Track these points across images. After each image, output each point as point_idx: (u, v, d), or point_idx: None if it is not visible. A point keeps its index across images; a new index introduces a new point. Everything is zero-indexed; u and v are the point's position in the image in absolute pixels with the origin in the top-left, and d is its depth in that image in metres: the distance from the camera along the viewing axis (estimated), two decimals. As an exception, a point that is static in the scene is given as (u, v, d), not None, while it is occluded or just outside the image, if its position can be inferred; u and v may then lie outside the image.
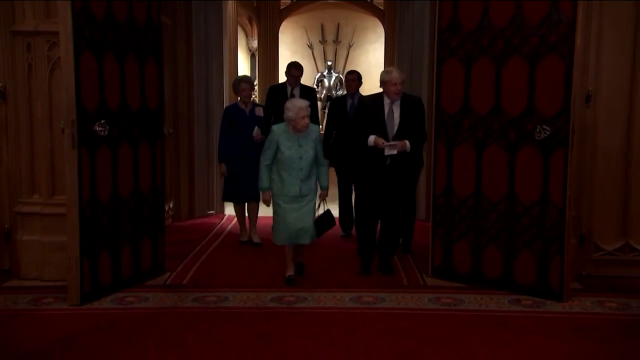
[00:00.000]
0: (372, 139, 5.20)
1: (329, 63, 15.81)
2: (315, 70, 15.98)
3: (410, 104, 5.33)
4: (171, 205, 7.67)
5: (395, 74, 5.25)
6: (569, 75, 4.60)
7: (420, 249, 5.95)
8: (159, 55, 5.33)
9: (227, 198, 6.70)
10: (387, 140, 5.18)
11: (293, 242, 5.18)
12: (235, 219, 7.07)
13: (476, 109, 4.99)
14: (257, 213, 6.62)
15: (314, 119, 6.45)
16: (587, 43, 5.11)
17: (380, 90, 5.35)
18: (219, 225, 7.67)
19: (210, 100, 8.23)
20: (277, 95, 6.67)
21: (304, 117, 5.00)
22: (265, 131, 5.94)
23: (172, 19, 7.41)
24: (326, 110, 15.46)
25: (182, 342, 4.04)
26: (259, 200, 6.26)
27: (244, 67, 14.01)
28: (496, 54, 4.89)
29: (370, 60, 15.58)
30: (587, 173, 5.34)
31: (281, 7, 15.10)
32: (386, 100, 5.29)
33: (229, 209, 8.26)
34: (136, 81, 5.06)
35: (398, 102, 5.27)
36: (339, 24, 16.00)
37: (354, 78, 6.72)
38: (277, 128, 5.16)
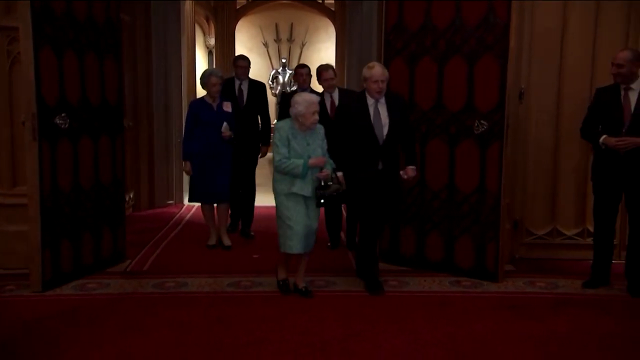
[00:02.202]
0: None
1: (283, 60, 15.80)
2: (270, 68, 15.96)
3: (396, 103, 4.67)
4: (131, 196, 7.55)
5: (378, 70, 4.54)
6: (503, 74, 4.69)
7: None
8: (118, 52, 5.23)
9: (194, 199, 5.90)
10: (377, 147, 4.56)
11: (306, 250, 4.49)
12: (194, 208, 6.97)
13: (420, 105, 5.05)
14: (228, 215, 6.09)
15: (265, 114, 6.33)
16: (520, 44, 5.22)
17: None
18: (178, 215, 7.58)
19: (169, 95, 8.13)
20: (224, 90, 5.89)
21: (314, 113, 4.35)
22: (233, 127, 5.69)
23: (131, 17, 7.27)
24: (280, 105, 15.61)
25: (143, 326, 4.00)
26: (228, 201, 5.90)
27: (201, 64, 13.84)
28: (438, 54, 4.96)
29: (323, 58, 15.53)
30: (520, 164, 5.45)
31: (237, 7, 14.98)
32: (370, 100, 4.60)
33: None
34: (96, 77, 4.96)
35: (383, 101, 4.60)
36: (292, 24, 15.98)
37: (306, 72, 6.10)
38: (283, 124, 4.48)
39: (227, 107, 5.76)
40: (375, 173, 4.60)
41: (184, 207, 8.05)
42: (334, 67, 6.13)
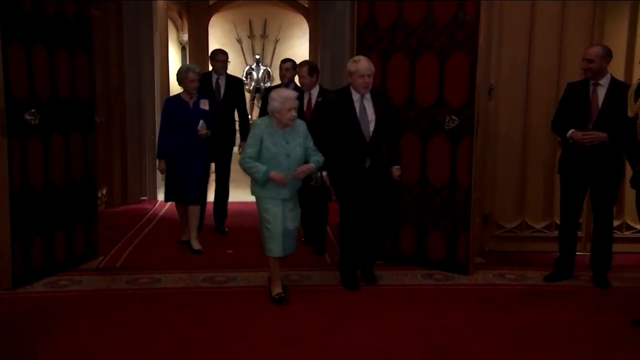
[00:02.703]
0: None
1: (257, 57, 15.70)
2: (244, 64, 15.85)
3: (381, 98, 4.51)
4: (104, 192, 7.45)
5: (364, 64, 4.36)
6: (473, 70, 4.73)
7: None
8: (89, 48, 5.14)
9: (170, 198, 5.66)
10: (364, 144, 4.41)
11: (287, 253, 4.34)
12: (168, 204, 6.90)
13: (393, 100, 5.07)
14: (198, 218, 5.72)
15: (243, 109, 6.26)
16: (489, 41, 5.27)
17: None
18: (151, 211, 7.50)
19: (142, 91, 8.03)
20: (201, 85, 5.66)
21: (290, 109, 4.12)
22: (210, 125, 5.48)
23: (102, 13, 7.15)
24: (255, 101, 15.57)
25: (116, 322, 3.95)
26: (199, 203, 5.63)
27: (174, 60, 13.69)
28: (410, 50, 4.97)
29: (297, 54, 15.44)
30: (490, 159, 5.50)
31: (210, 3, 14.88)
32: (355, 96, 4.42)
33: (162, 195, 8.10)
34: (67, 72, 4.87)
35: (369, 97, 4.43)
36: (266, 20, 15.89)
37: (289, 67, 5.86)
38: (260, 121, 4.28)
39: (204, 104, 5.48)
40: (363, 171, 4.44)
41: (158, 203, 7.96)
42: (316, 66, 5.91)
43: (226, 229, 6.29)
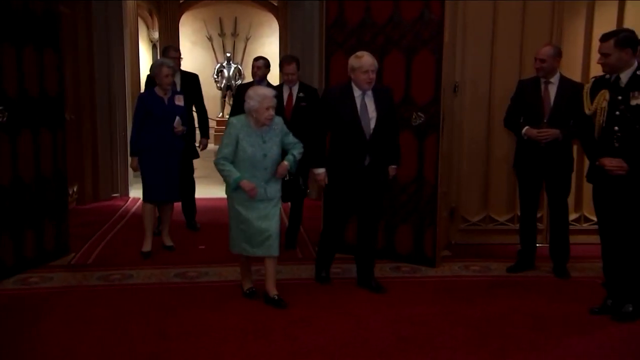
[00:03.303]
0: None
1: (228, 55, 15.60)
2: (215, 61, 15.74)
3: (384, 96, 4.33)
4: (75, 189, 7.33)
5: (368, 60, 4.15)
6: (439, 68, 4.76)
7: (314, 225, 6.00)
8: (57, 44, 5.04)
9: (150, 197, 5.27)
10: (364, 141, 4.22)
11: (254, 253, 4.10)
12: (140, 200, 6.75)
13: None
14: (171, 215, 5.53)
15: (200, 105, 6.01)
16: (454, 40, 5.31)
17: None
18: (123, 207, 7.40)
19: (113, 89, 7.91)
20: (154, 83, 5.31)
21: (268, 108, 3.91)
22: (186, 121, 5.32)
23: (71, 10, 7.03)
24: (226, 99, 15.44)
25: (88, 318, 3.89)
26: (176, 201, 5.52)
27: (145, 58, 13.54)
28: (377, 48, 4.97)
29: (267, 53, 15.34)
30: (455, 154, 5.56)
31: (181, 1, 14.71)
32: (356, 92, 4.23)
33: (134, 192, 8.03)
34: (35, 70, 4.77)
35: (370, 93, 4.24)
36: (236, 18, 15.79)
37: (261, 65, 5.72)
38: (236, 121, 4.02)
39: (179, 100, 5.26)
40: (362, 169, 4.27)
41: (129, 199, 7.87)
42: (298, 60, 5.69)
43: (198, 225, 6.22)
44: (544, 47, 4.73)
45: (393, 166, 4.48)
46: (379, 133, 4.26)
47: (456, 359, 3.38)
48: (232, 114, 5.84)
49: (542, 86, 4.67)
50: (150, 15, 14.38)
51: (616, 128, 3.74)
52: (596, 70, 5.32)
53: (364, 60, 4.15)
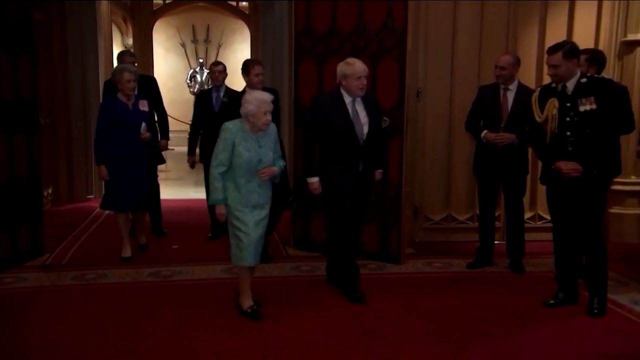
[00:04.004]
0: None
1: (201, 60, 15.48)
2: (188, 67, 15.62)
3: (371, 101, 4.23)
4: (50, 191, 7.19)
5: (360, 66, 4.03)
6: (402, 75, 4.81)
7: (284, 226, 5.97)
8: (32, 49, 4.95)
9: (108, 205, 5.06)
10: (358, 147, 4.10)
11: (257, 261, 3.91)
12: None
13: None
14: (144, 217, 5.43)
15: (159, 107, 5.72)
16: (417, 48, 5.37)
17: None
18: (98, 209, 7.24)
19: (87, 93, 7.85)
20: (113, 89, 5.08)
21: (266, 113, 3.70)
22: (151, 127, 5.10)
23: (45, 16, 6.91)
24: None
25: (63, 317, 3.82)
26: (147, 209, 5.31)
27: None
28: (344, 55, 4.98)
29: (239, 59, 15.17)
30: (419, 156, 5.61)
31: (154, 8, 14.58)
32: (347, 98, 4.09)
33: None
34: (9, 74, 4.69)
35: (360, 99, 4.11)
36: (209, 26, 15.69)
37: (222, 69, 5.64)
38: (232, 125, 3.78)
39: (144, 105, 5.00)
40: (357, 174, 4.15)
41: (104, 201, 7.74)
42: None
43: (164, 230, 5.97)
44: (504, 55, 4.81)
45: (380, 171, 4.39)
46: (371, 138, 4.16)
47: (419, 350, 3.41)
48: (194, 120, 5.83)
49: (501, 92, 4.74)
50: (125, 21, 14.19)
51: (568, 133, 3.82)
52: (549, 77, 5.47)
53: (357, 67, 4.03)
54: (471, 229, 5.55)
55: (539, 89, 4.09)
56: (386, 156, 4.48)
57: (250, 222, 3.78)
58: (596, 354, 3.38)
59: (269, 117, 3.74)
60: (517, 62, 4.73)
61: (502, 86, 4.73)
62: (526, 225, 5.09)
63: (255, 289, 4.16)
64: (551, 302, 4.08)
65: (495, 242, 5.06)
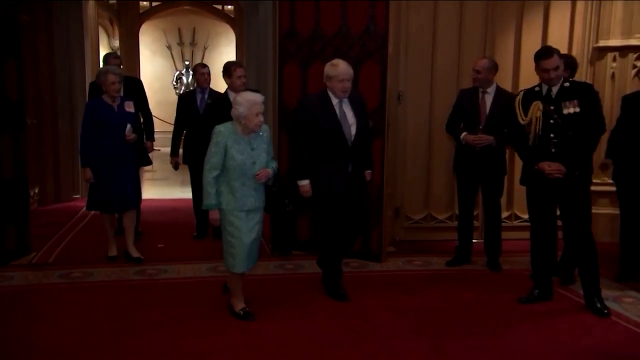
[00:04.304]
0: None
1: (187, 63, 15.45)
2: (174, 69, 15.56)
3: (358, 102, 4.13)
4: (36, 191, 7.11)
5: (343, 68, 3.93)
6: (383, 78, 4.83)
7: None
8: (19, 52, 4.91)
9: (93, 206, 4.91)
10: (347, 148, 4.01)
11: (250, 267, 3.80)
12: None
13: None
14: (134, 223, 5.09)
15: (145, 109, 5.64)
16: (398, 52, 5.40)
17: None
18: (84, 208, 7.19)
19: (74, 95, 7.77)
20: (98, 91, 4.96)
21: (258, 114, 3.57)
22: (137, 128, 4.99)
23: (31, 18, 6.84)
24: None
25: (49, 315, 3.79)
26: (135, 208, 5.08)
27: (106, 65, 13.25)
28: (328, 58, 4.97)
29: (224, 61, 14.98)
30: (400, 158, 5.63)
31: (141, 11, 14.49)
32: (334, 100, 4.00)
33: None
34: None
35: (347, 101, 4.04)
36: (194, 28, 15.62)
37: (207, 72, 5.54)
38: (224, 128, 3.63)
39: (129, 106, 4.86)
40: (346, 176, 4.06)
41: (90, 201, 7.68)
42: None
43: (140, 230, 5.65)
44: (481, 59, 4.86)
45: (369, 171, 4.31)
46: (360, 139, 4.07)
47: (400, 346, 3.43)
48: (177, 122, 5.71)
49: (480, 95, 4.79)
50: (111, 24, 14.08)
51: (552, 135, 3.84)
52: (525, 79, 5.56)
53: (340, 68, 3.93)
54: (450, 228, 5.59)
55: (522, 92, 4.12)
56: (371, 155, 4.42)
57: (244, 227, 3.65)
58: (573, 348, 3.43)
59: (261, 118, 3.62)
60: (493, 67, 4.78)
61: (480, 90, 4.78)
62: (503, 224, 5.13)
63: (243, 285, 4.15)
64: (526, 298, 4.13)
65: (474, 240, 5.09)
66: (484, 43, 5.59)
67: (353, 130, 4.03)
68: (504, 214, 5.57)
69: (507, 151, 5.13)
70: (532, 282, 4.21)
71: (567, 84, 3.87)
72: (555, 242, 4.22)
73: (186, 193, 7.95)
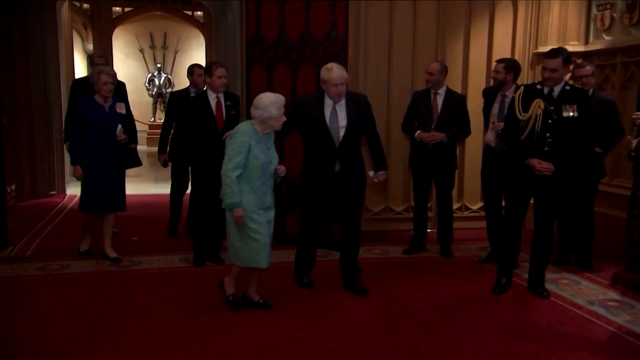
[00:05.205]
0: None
1: (159, 65, 15.24)
2: (147, 71, 15.33)
3: (357, 104, 3.98)
4: (13, 187, 6.92)
5: (336, 73, 3.84)
6: (345, 80, 4.88)
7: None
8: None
9: (88, 208, 4.66)
10: (333, 148, 3.92)
11: (268, 263, 3.65)
12: (77, 197, 6.34)
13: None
14: (113, 225, 4.81)
15: (130, 114, 5.24)
16: (357, 56, 5.45)
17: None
18: (60, 204, 7.06)
19: (49, 95, 7.57)
20: (82, 89, 4.84)
21: (283, 115, 3.51)
22: (128, 129, 4.69)
23: (7, 21, 6.65)
24: (157, 105, 15.02)
25: (27, 306, 3.71)
26: (123, 210, 4.78)
27: (80, 68, 12.92)
28: (291, 62, 5.04)
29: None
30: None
31: (113, 16, 14.22)
32: (327, 101, 3.92)
33: (70, 189, 7.68)
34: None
35: (343, 102, 3.93)
36: (166, 33, 15.42)
37: (202, 73, 5.08)
38: (246, 127, 3.50)
39: (121, 108, 4.64)
40: (332, 175, 3.95)
41: (66, 196, 7.52)
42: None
43: (115, 230, 5.18)
44: (433, 62, 4.95)
45: (382, 172, 4.16)
46: (348, 140, 3.94)
47: (359, 328, 3.48)
48: (166, 122, 5.44)
49: (432, 97, 4.87)
50: (85, 28, 13.78)
51: (548, 135, 3.74)
52: (474, 82, 5.69)
53: (333, 73, 3.84)
54: (407, 219, 5.66)
55: (522, 87, 3.96)
56: (384, 157, 4.24)
57: (265, 224, 3.56)
58: (515, 325, 3.54)
59: (284, 117, 3.55)
60: (444, 69, 4.87)
61: (432, 91, 4.86)
62: (454, 215, 5.24)
63: (213, 275, 4.12)
64: (500, 289, 4.07)
65: (428, 230, 5.18)
66: (436, 48, 5.69)
67: (342, 132, 3.91)
68: (455, 206, 5.68)
69: (458, 147, 5.24)
70: (481, 265, 4.29)
71: (567, 87, 3.78)
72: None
73: (160, 189, 7.89)
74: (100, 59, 5.39)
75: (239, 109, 4.75)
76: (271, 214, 3.64)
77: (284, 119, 3.54)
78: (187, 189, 5.41)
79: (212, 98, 4.53)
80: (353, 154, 4.00)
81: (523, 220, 4.05)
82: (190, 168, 4.99)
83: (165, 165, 5.54)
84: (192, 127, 4.40)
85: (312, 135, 3.98)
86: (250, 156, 3.45)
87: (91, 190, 4.57)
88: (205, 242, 4.63)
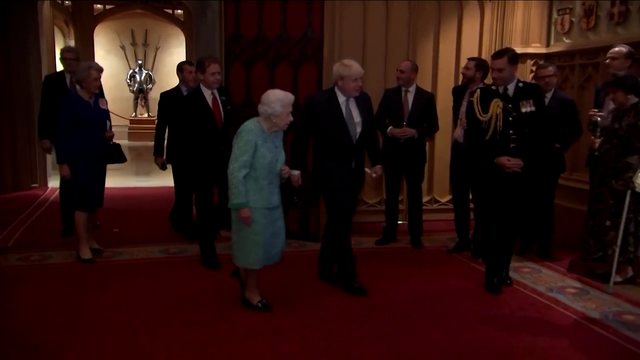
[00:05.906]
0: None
1: (140, 62, 14.98)
2: (128, 67, 15.06)
3: (364, 101, 3.87)
4: (-5, 181, 6.75)
5: (356, 69, 3.71)
6: (320, 79, 4.87)
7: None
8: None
9: (88, 207, 4.40)
10: (351, 145, 3.78)
11: (268, 263, 3.49)
12: (58, 190, 6.13)
13: (255, 101, 4.98)
14: (95, 218, 4.79)
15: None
16: (332, 55, 5.41)
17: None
18: (42, 196, 6.90)
19: (30, 91, 7.37)
20: (54, 85, 4.67)
21: (289, 114, 3.32)
22: (110, 126, 4.49)
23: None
24: (138, 101, 14.76)
25: (9, 297, 3.62)
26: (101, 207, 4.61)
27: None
28: (269, 60, 5.00)
29: (175, 61, 14.71)
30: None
31: (95, 13, 13.94)
32: (341, 98, 3.77)
33: (52, 182, 7.51)
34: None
35: (353, 100, 3.79)
36: (147, 30, 15.16)
37: (192, 69, 4.82)
38: (253, 126, 3.30)
39: (103, 104, 4.43)
40: (349, 172, 3.83)
41: (48, 189, 7.35)
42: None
43: (97, 222, 5.25)
44: (404, 61, 4.97)
45: (379, 166, 4.03)
46: (364, 137, 3.84)
47: (333, 314, 3.48)
48: (159, 124, 5.10)
49: (403, 94, 4.89)
50: (67, 25, 13.47)
51: (511, 131, 3.71)
52: (443, 81, 5.73)
53: (354, 69, 3.70)
54: (379, 212, 5.68)
55: (478, 89, 3.93)
56: (380, 151, 4.15)
57: (267, 224, 3.35)
58: (480, 310, 3.59)
59: (291, 117, 3.36)
60: (415, 68, 4.90)
61: (403, 89, 4.89)
62: (424, 207, 5.28)
63: (192, 265, 4.10)
64: (494, 287, 3.93)
65: (399, 222, 5.22)
66: (407, 47, 5.71)
67: (358, 129, 3.79)
68: (425, 198, 5.73)
69: (427, 143, 5.27)
70: (448, 256, 4.32)
71: (521, 84, 3.77)
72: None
73: (140, 182, 7.78)
74: (70, 52, 5.09)
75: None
76: (277, 213, 3.44)
77: (291, 118, 3.36)
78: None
79: (207, 95, 4.22)
80: (364, 151, 3.92)
81: (500, 219, 3.92)
82: (192, 168, 4.36)
83: (163, 168, 5.21)
84: (190, 126, 4.12)
85: (329, 134, 3.76)
86: (256, 155, 3.27)
87: (90, 189, 4.34)
88: (212, 242, 4.36)
